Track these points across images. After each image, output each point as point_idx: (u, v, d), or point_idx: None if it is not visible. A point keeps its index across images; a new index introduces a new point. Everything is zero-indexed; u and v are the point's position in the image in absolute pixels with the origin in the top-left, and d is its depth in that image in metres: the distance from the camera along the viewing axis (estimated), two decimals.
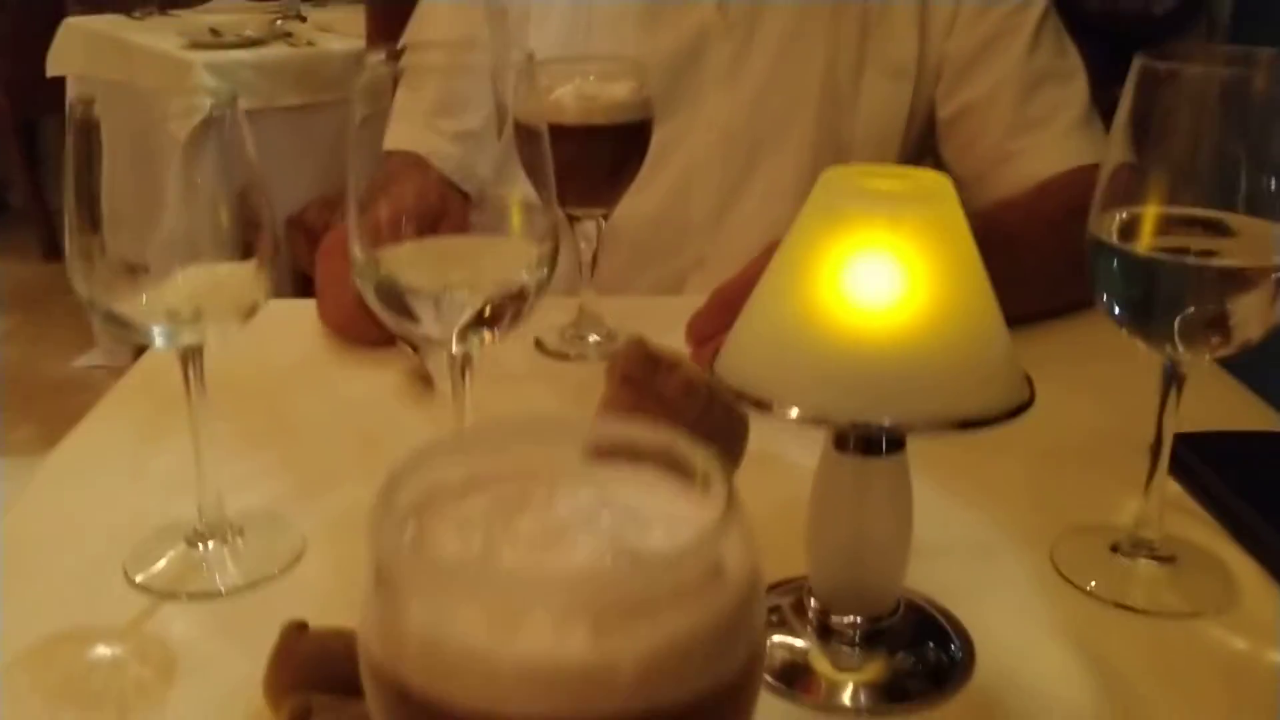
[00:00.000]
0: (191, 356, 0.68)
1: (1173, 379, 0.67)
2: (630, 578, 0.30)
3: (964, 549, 0.73)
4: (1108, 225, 0.64)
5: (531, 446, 0.36)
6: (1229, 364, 0.93)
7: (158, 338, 0.67)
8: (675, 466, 0.35)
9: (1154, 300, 0.63)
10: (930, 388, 0.55)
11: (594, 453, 0.36)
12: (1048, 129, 1.15)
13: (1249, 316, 0.61)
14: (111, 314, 0.66)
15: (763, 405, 0.56)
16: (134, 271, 0.66)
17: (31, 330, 3.56)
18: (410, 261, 0.64)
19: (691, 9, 1.18)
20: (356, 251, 0.64)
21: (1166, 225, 0.64)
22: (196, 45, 2.68)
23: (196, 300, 0.67)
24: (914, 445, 0.61)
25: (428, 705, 0.30)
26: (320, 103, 2.61)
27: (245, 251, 0.67)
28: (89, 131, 0.63)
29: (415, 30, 1.23)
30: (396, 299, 0.63)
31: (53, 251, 3.94)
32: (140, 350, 1.03)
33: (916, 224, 0.56)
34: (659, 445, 0.36)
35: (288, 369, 0.99)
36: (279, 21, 2.87)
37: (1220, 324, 0.62)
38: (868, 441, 0.59)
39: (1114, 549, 0.71)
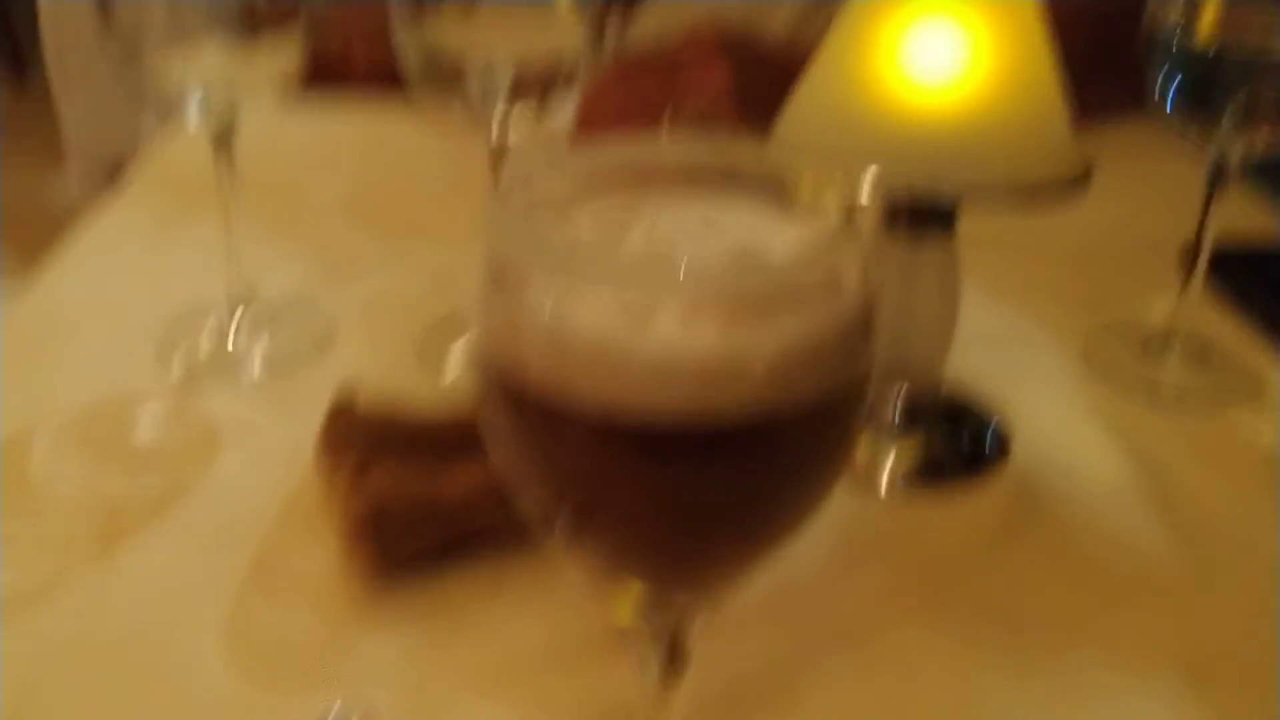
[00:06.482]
0: (223, 129, 0.67)
1: (1219, 176, 0.66)
2: (759, 276, 0.30)
3: (1000, 339, 0.74)
4: (1166, 15, 0.63)
5: (629, 168, 0.36)
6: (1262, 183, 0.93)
7: (192, 109, 0.65)
8: (777, 189, 0.35)
9: (1211, 87, 0.63)
10: (989, 158, 0.54)
11: (691, 176, 0.36)
12: None
13: None
14: (144, 86, 0.64)
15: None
16: (162, 41, 0.64)
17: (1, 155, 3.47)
18: (454, 31, 0.62)
19: None
20: (398, 21, 0.62)
21: (1225, 14, 0.63)
22: None
23: (228, 72, 0.65)
24: None
25: (549, 405, 0.30)
26: None
27: (275, 23, 0.65)
28: None
29: None
30: (440, 68, 0.62)
31: (19, 75, 3.82)
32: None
33: None
34: (760, 168, 0.35)
35: (304, 166, 0.97)
36: None
37: (1272, 113, 0.61)
38: (918, 220, 0.59)
39: (1146, 344, 0.72)
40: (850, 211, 0.32)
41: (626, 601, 0.36)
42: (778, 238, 0.33)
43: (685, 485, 0.30)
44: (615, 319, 0.29)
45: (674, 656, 0.38)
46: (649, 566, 0.34)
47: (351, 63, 1.43)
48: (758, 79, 0.92)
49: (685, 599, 0.35)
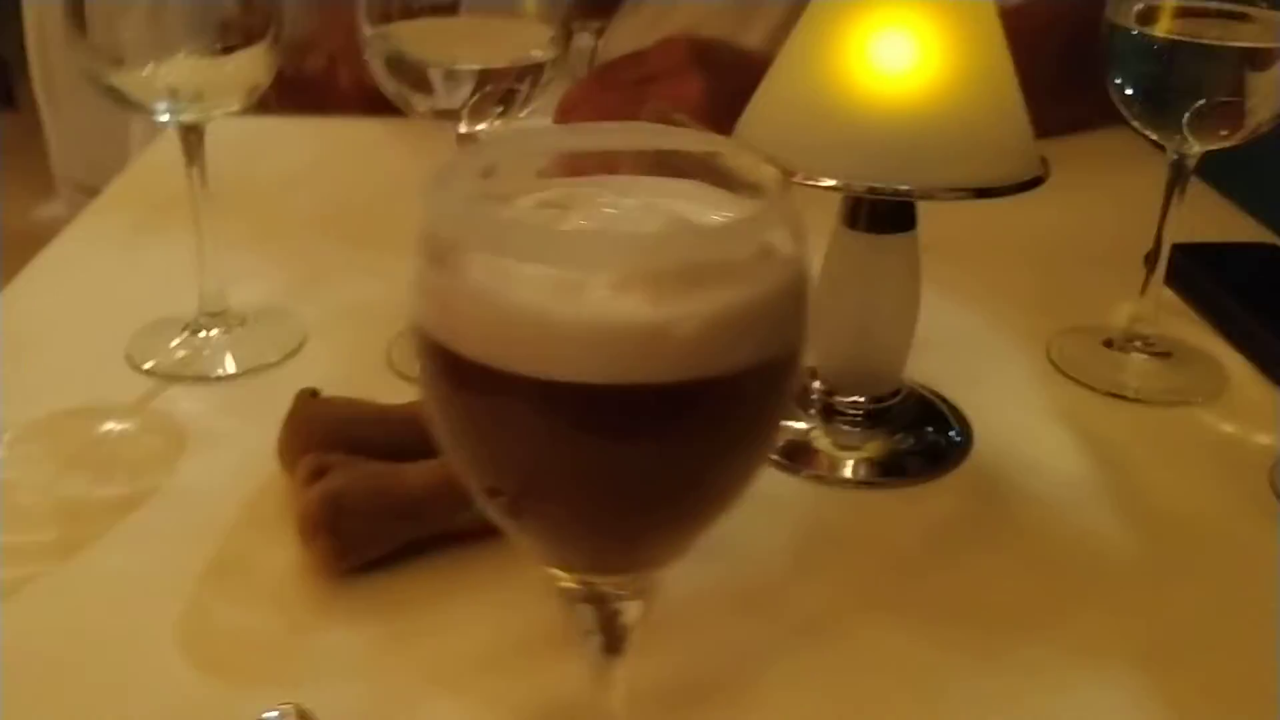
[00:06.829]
0: (193, 136, 0.67)
1: (1179, 175, 0.67)
2: (689, 244, 0.30)
3: (963, 343, 0.74)
4: (1125, 11, 0.64)
5: (574, 156, 0.36)
6: (1224, 186, 0.94)
7: (161, 114, 0.65)
8: (720, 177, 0.35)
9: (1169, 84, 0.63)
10: (947, 156, 0.55)
11: (634, 162, 0.36)
12: None
13: (1261, 100, 0.61)
14: (113, 89, 0.64)
15: (785, 173, 0.55)
16: (134, 50, 0.65)
17: None
18: (420, 37, 0.63)
19: None
20: (365, 27, 0.63)
21: (1182, 14, 0.64)
22: None
23: (198, 80, 0.65)
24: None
25: (485, 374, 0.30)
26: None
27: (248, 34, 0.66)
28: None
29: None
30: (405, 71, 0.62)
31: (7, 98, 3.82)
32: None
33: None
34: (702, 155, 0.36)
35: (279, 179, 0.98)
36: None
37: (1232, 108, 0.62)
38: (878, 218, 0.60)
39: (1108, 344, 0.73)
40: (780, 186, 0.32)
41: (564, 583, 0.36)
42: (712, 214, 0.33)
43: (620, 452, 0.31)
44: (549, 292, 0.29)
45: (611, 643, 0.38)
46: (585, 543, 0.34)
47: (335, 83, 1.44)
48: (730, 91, 0.93)
49: (620, 580, 0.36)
